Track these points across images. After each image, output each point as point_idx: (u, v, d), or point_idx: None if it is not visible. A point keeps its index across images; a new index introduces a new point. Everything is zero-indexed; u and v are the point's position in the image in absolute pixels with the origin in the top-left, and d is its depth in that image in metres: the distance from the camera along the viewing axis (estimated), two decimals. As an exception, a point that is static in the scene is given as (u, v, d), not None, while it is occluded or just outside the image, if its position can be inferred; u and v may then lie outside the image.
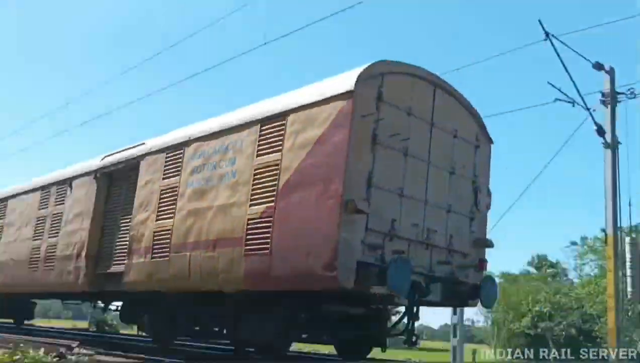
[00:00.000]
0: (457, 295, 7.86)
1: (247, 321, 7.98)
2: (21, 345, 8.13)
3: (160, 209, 8.85)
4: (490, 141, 8.60)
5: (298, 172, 6.95)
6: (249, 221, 7.34)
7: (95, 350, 8.53)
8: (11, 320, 16.48)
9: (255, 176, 7.48)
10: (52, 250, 11.22)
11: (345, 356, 8.73)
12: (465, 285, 7.83)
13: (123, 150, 10.52)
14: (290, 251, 6.79)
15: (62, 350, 8.25)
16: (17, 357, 7.58)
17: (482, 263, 8.13)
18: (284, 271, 6.86)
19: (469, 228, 8.07)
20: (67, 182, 11.50)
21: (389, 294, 6.84)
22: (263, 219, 7.17)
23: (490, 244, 8.25)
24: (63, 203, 11.44)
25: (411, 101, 7.34)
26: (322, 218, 6.52)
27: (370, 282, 6.54)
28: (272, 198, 7.14)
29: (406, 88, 7.34)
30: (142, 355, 8.31)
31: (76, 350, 8.48)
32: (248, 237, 7.29)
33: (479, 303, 8.05)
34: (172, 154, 9.06)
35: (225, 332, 8.72)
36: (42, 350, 7.80)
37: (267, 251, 7.01)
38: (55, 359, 7.66)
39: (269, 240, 7.03)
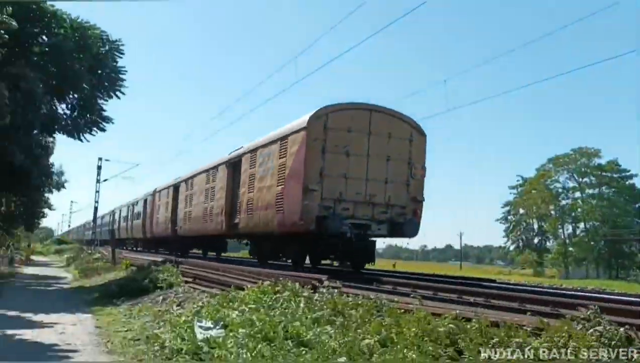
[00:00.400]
0: (396, 230, 14.43)
1: (286, 249, 15.78)
2: (280, 278, 10.36)
3: (248, 186, 16.88)
4: (423, 135, 14.69)
5: (291, 169, 14.25)
6: (277, 195, 14.89)
7: (342, 282, 9.97)
8: (214, 253, 26.55)
9: (279, 170, 14.93)
10: (211, 210, 20.29)
11: (354, 268, 15.87)
12: (400, 225, 14.35)
13: (236, 149, 18.76)
14: (288, 212, 14.22)
15: (315, 282, 9.96)
16: (278, 288, 9.64)
17: (416, 211, 14.51)
18: (287, 222, 14.34)
19: (406, 191, 14.46)
20: (216, 167, 20.36)
21: (341, 232, 13.77)
22: (281, 194, 14.67)
23: (420, 200, 14.53)
24: (215, 181, 20.34)
25: (351, 122, 13.96)
26: (296, 194, 13.78)
27: (324, 227, 13.63)
28: (283, 183, 14.57)
29: (346, 117, 13.97)
30: (375, 287, 10.21)
31: (326, 282, 9.96)
32: (277, 204, 14.86)
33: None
34: (252, 154, 16.95)
35: (279, 254, 16.65)
36: (297, 283, 9.75)
37: (282, 211, 14.53)
38: (310, 291, 9.16)
39: (283, 206, 14.52)
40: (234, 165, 18.91)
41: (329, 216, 13.56)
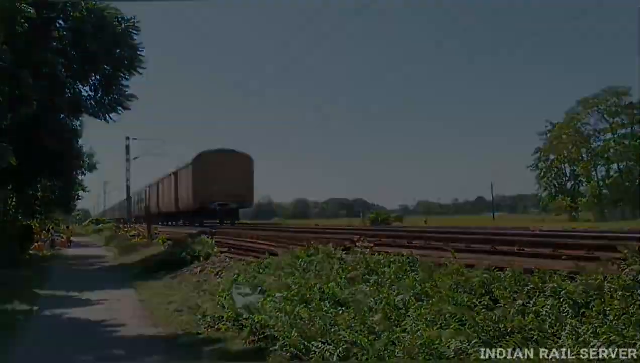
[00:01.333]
0: (241, 205, 38.02)
1: (196, 218, 38.76)
2: (312, 242, 11.87)
3: (179, 189, 40.51)
4: (251, 161, 37.83)
5: (190, 183, 37.90)
6: (188, 193, 38.14)
7: (375, 242, 11.45)
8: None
9: (188, 181, 37.92)
10: (170, 198, 44.32)
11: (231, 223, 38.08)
12: (243, 202, 37.22)
13: (177, 167, 41.44)
14: (192, 200, 37.73)
15: (347, 243, 11.57)
16: (311, 251, 11.10)
17: (251, 195, 37.42)
18: (191, 205, 38.44)
19: (245, 187, 37.39)
20: (171, 175, 44.39)
21: (212, 208, 36.20)
22: (190, 193, 37.91)
23: (252, 190, 37.16)
24: (171, 183, 44.35)
25: (216, 159, 37.45)
26: (192, 193, 37.31)
27: (205, 206, 36.19)
28: (190, 188, 37.90)
29: (212, 156, 37.81)
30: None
31: (358, 243, 11.55)
32: (188, 197, 38.76)
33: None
34: (181, 171, 40.90)
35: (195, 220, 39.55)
36: (330, 245, 11.26)
37: (190, 200, 38.14)
38: (343, 251, 10.59)
39: (190, 198, 37.94)
40: (176, 175, 41.90)
41: (206, 201, 35.99)
